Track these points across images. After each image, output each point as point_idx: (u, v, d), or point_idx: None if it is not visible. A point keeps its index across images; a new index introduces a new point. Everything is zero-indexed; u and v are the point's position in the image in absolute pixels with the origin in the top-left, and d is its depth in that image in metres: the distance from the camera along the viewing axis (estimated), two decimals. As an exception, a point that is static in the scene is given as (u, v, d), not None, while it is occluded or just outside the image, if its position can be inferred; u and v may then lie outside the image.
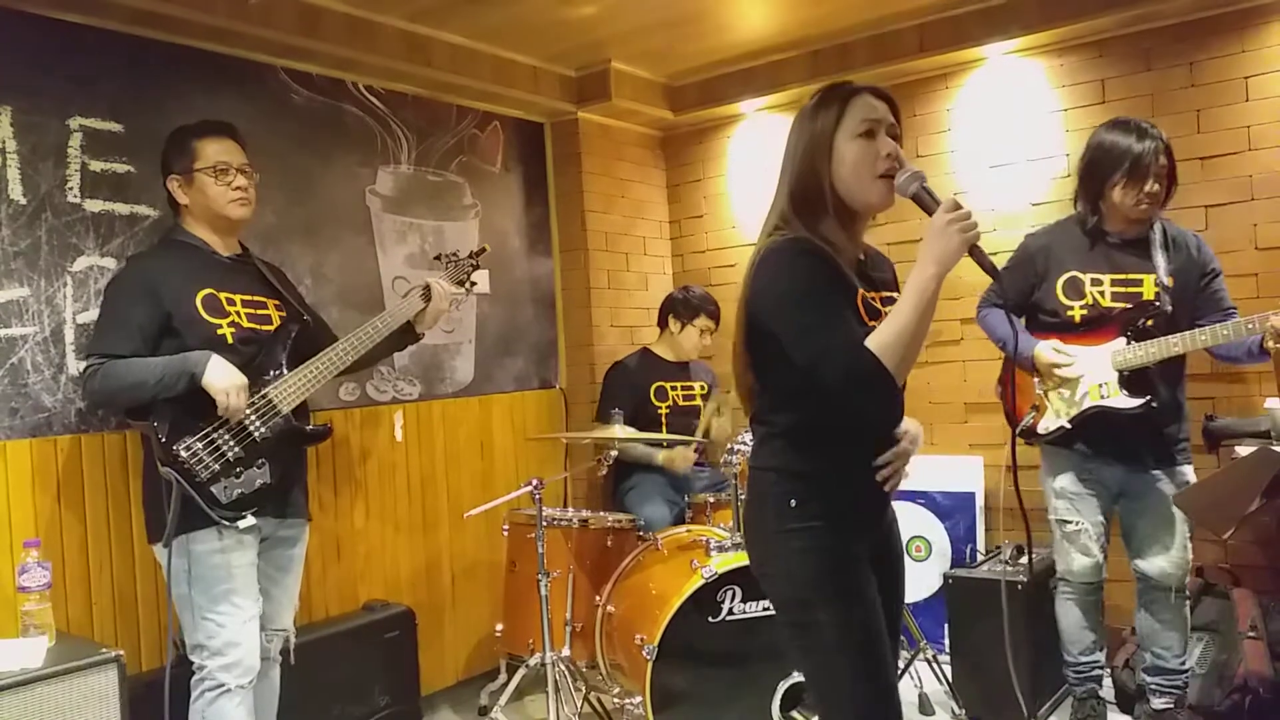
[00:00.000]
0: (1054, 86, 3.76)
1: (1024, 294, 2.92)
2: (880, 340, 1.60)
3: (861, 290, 1.75)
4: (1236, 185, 3.39)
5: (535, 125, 4.41)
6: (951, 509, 3.92)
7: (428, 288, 2.78)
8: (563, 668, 3.09)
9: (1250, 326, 2.57)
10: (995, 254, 3.80)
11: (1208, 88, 3.45)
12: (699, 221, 4.75)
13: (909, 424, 1.85)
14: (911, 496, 3.93)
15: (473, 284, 2.99)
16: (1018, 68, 3.84)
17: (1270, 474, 2.17)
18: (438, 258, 3.01)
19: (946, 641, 3.31)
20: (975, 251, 1.64)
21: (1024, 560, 3.28)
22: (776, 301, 1.72)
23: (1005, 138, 3.87)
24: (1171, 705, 2.90)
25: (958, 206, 1.63)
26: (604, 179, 4.50)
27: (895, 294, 1.82)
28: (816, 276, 1.70)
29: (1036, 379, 2.90)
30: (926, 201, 1.69)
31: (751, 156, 4.53)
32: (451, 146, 4.00)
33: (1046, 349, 2.81)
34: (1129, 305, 2.76)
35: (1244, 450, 2.88)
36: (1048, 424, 2.87)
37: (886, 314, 1.69)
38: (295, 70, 3.43)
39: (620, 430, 3.35)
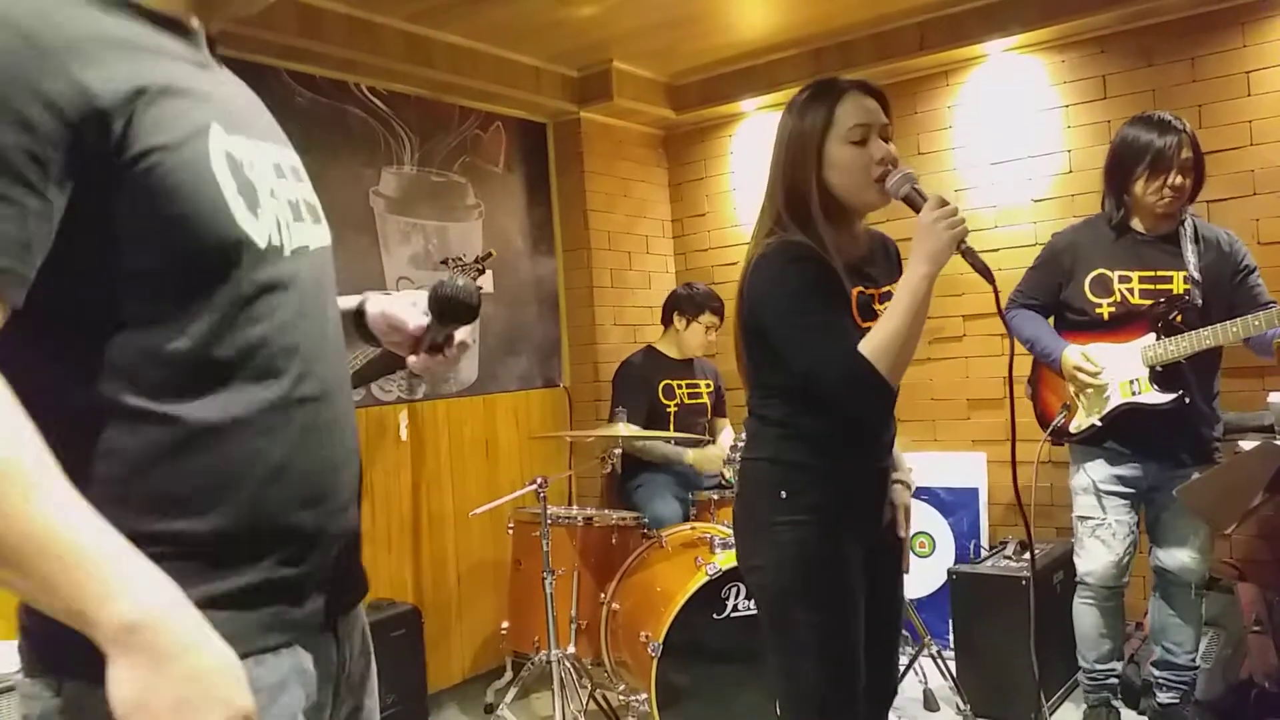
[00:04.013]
0: (1055, 83, 3.76)
1: (1051, 293, 2.89)
2: (873, 344, 1.60)
3: (858, 289, 1.74)
4: (1238, 180, 3.39)
5: (537, 125, 4.42)
6: (955, 505, 3.92)
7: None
8: (568, 665, 3.10)
9: (1256, 323, 2.51)
10: (997, 250, 3.84)
11: (1209, 83, 3.45)
12: (701, 220, 4.76)
13: (901, 491, 1.91)
14: (915, 493, 3.93)
15: (479, 288, 3.01)
16: (1019, 65, 3.84)
17: (1274, 468, 2.17)
18: (444, 262, 3.03)
19: (951, 637, 3.31)
20: (966, 251, 1.63)
21: (1027, 555, 3.28)
22: (771, 310, 1.73)
23: (1007, 134, 3.87)
24: (1178, 700, 2.89)
25: (944, 203, 1.62)
26: (606, 178, 4.51)
27: (892, 285, 1.81)
28: (809, 283, 1.69)
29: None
30: (916, 201, 1.68)
31: (753, 155, 4.53)
32: (454, 147, 4.01)
33: (1074, 354, 2.77)
34: (1158, 301, 2.71)
35: (1247, 445, 2.88)
36: (1078, 423, 2.83)
37: (881, 310, 1.69)
38: (298, 72, 3.45)
39: (623, 429, 3.36)
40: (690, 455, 3.73)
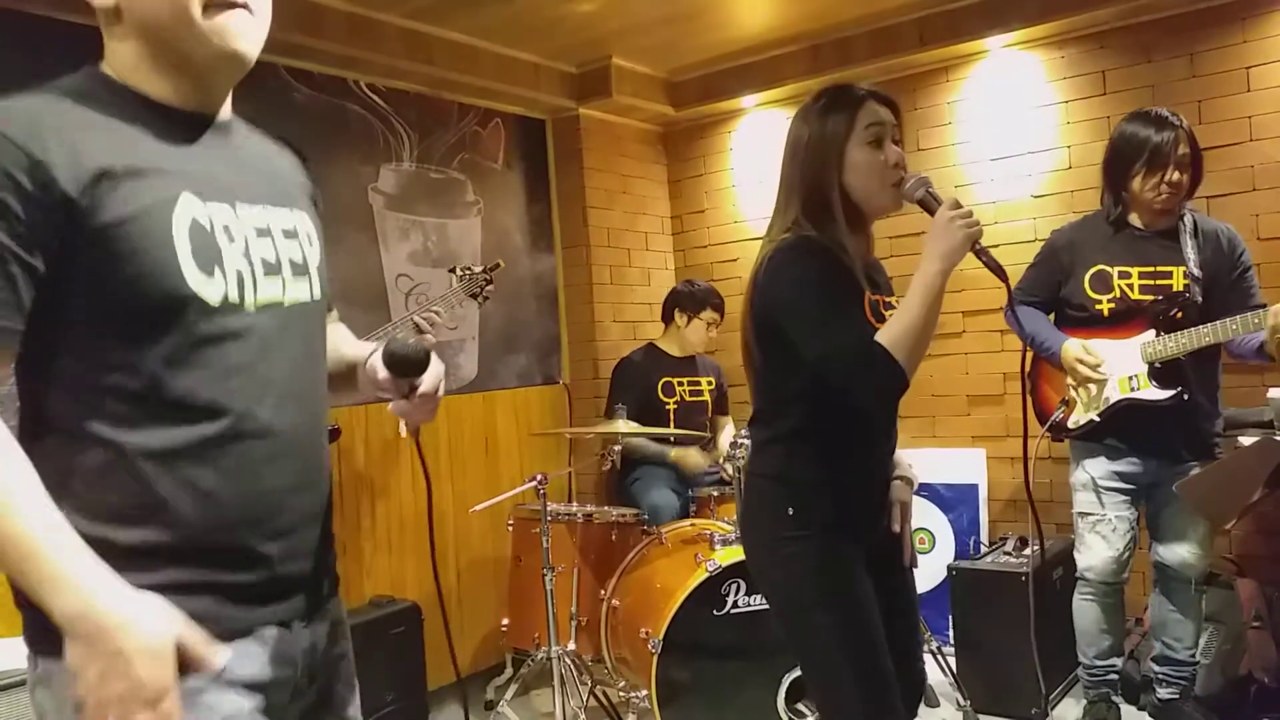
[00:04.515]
0: (1054, 79, 3.76)
1: (1051, 290, 2.89)
2: (890, 335, 1.63)
3: (868, 293, 1.77)
4: (1238, 176, 3.39)
5: (537, 122, 4.41)
6: (955, 501, 3.93)
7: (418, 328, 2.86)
8: (568, 662, 3.10)
9: (1256, 321, 2.51)
10: (997, 246, 3.81)
11: (1209, 78, 3.45)
12: (701, 216, 4.75)
13: (901, 487, 1.92)
14: (915, 489, 3.94)
15: (485, 298, 3.05)
16: (1018, 60, 3.84)
17: (1273, 464, 2.18)
18: (452, 270, 3.07)
19: (951, 633, 3.31)
20: (979, 250, 1.66)
21: (1028, 551, 3.29)
22: (787, 298, 1.74)
23: (1006, 130, 3.87)
24: (1177, 696, 2.89)
25: (959, 205, 1.65)
26: (606, 175, 4.50)
27: (893, 298, 1.86)
28: (825, 274, 1.71)
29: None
30: (930, 204, 1.72)
31: (753, 151, 4.53)
32: (453, 143, 4.00)
33: (1075, 346, 2.76)
34: (1158, 297, 2.72)
35: (1247, 440, 2.88)
36: (1077, 418, 2.83)
37: (890, 316, 1.71)
38: (296, 69, 3.44)
39: (624, 426, 3.36)
40: (672, 454, 3.74)
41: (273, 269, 1.17)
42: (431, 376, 1.30)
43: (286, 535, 1.16)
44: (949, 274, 1.64)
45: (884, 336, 1.62)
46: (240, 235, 1.14)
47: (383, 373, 1.30)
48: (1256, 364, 2.75)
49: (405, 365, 1.28)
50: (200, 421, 1.09)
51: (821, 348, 1.68)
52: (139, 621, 0.98)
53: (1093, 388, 2.79)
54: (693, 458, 3.75)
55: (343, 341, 1.42)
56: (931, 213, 1.70)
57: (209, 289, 1.08)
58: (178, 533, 1.07)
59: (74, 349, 1.06)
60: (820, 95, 1.82)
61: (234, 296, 1.11)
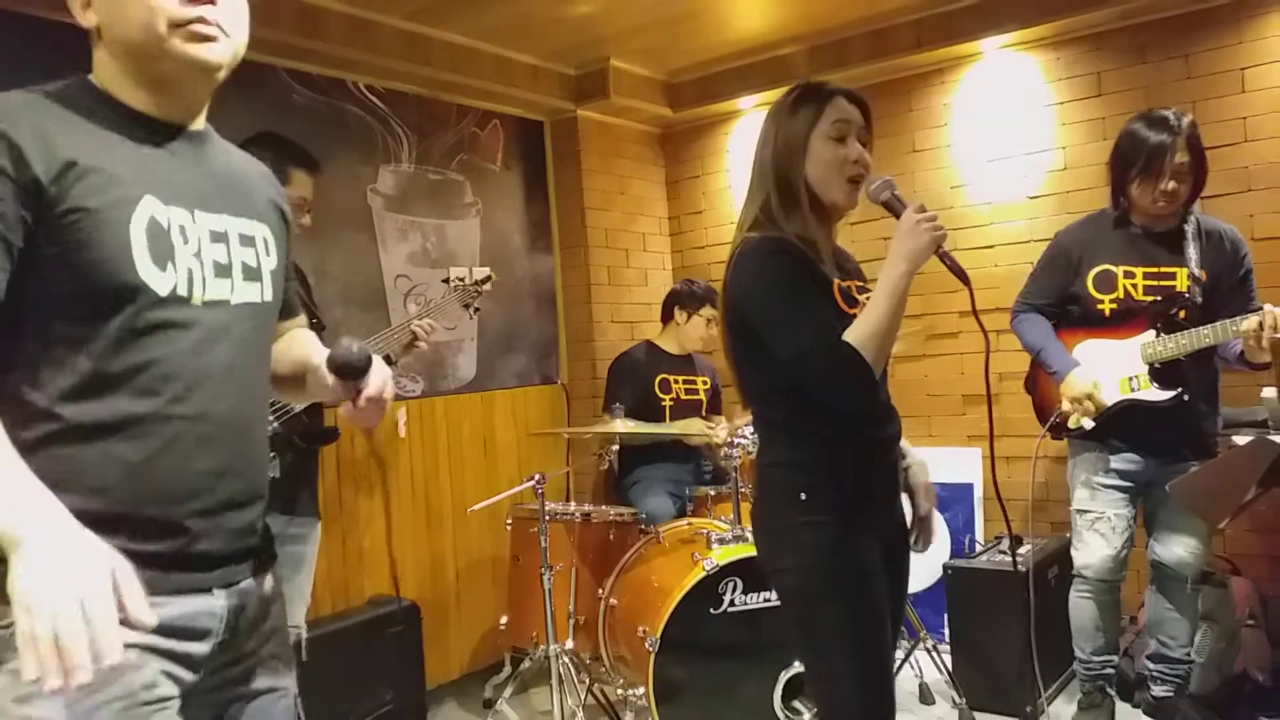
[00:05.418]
0: (1049, 80, 3.78)
1: (1061, 290, 2.86)
2: (856, 335, 1.67)
3: (837, 280, 1.80)
4: (1233, 176, 3.40)
5: (535, 123, 4.43)
6: (950, 500, 3.94)
7: (414, 336, 2.88)
8: (566, 660, 3.11)
9: (1234, 328, 2.51)
10: (992, 247, 3.86)
11: (1204, 80, 3.46)
12: (698, 217, 4.77)
13: (917, 469, 1.96)
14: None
15: (477, 309, 3.11)
16: (1014, 62, 3.86)
17: (1267, 463, 2.19)
18: (446, 280, 3.10)
19: (946, 631, 3.33)
20: (943, 254, 1.71)
21: (1023, 550, 3.30)
22: (754, 301, 1.77)
23: (1002, 131, 3.88)
24: (1172, 694, 2.90)
25: (924, 209, 1.70)
26: (604, 176, 4.52)
27: (864, 283, 1.90)
28: (791, 274, 1.75)
29: None
30: (896, 207, 1.76)
31: (750, 152, 4.52)
32: (452, 145, 4.02)
33: (1084, 383, 2.72)
34: (1159, 298, 2.71)
35: (1241, 440, 2.88)
36: (1077, 418, 2.82)
37: (863, 300, 1.76)
38: (296, 70, 3.45)
39: (620, 425, 3.37)
40: (677, 426, 3.78)
41: (224, 270, 1.25)
42: (376, 380, 1.35)
43: (210, 515, 1.22)
44: (912, 276, 1.68)
45: (851, 336, 1.66)
46: (195, 238, 1.22)
47: (330, 379, 1.35)
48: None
49: (347, 370, 1.33)
50: (133, 400, 1.16)
51: (791, 349, 1.71)
52: (82, 535, 1.02)
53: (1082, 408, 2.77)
54: (695, 425, 3.76)
55: (298, 345, 1.48)
56: (897, 215, 1.74)
57: (159, 281, 1.16)
58: (102, 501, 1.13)
59: (34, 325, 1.13)
60: (793, 90, 1.88)
61: (182, 290, 1.19)
